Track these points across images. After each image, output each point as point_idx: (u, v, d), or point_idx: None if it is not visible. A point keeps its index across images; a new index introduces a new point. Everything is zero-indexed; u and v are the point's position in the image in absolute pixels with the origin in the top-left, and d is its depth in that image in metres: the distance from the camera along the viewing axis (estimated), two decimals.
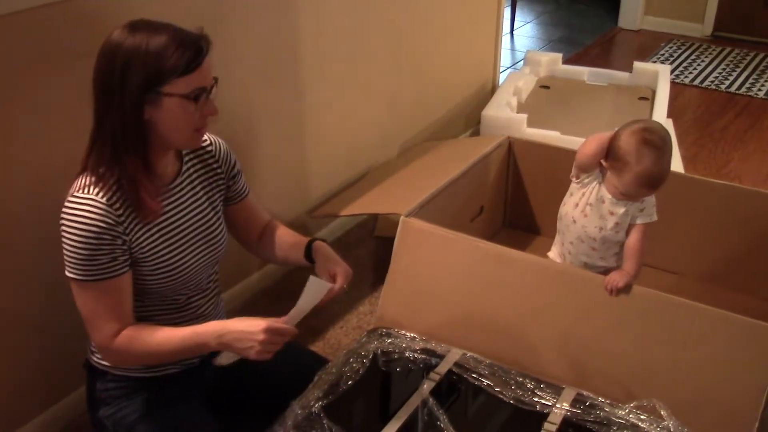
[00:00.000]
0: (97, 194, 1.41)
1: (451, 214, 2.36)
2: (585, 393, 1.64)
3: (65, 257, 1.43)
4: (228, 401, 1.78)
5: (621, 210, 1.92)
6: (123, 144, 1.42)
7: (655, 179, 1.84)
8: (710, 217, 2.39)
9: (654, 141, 1.82)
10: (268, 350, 1.44)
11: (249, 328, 1.42)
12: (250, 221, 1.75)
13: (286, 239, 1.76)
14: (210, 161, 1.65)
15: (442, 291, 1.97)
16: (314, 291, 1.51)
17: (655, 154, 1.82)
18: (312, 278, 1.50)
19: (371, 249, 2.69)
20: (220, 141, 1.68)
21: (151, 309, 1.59)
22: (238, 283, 2.37)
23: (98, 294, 1.45)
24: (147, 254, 1.50)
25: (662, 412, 1.53)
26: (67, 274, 1.44)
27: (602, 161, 1.90)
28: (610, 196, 1.93)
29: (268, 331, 1.41)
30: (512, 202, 2.78)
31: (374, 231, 2.84)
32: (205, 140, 1.64)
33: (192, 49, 1.39)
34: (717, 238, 2.40)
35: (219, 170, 1.66)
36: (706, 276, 2.44)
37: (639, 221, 1.94)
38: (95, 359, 1.64)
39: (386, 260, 2.05)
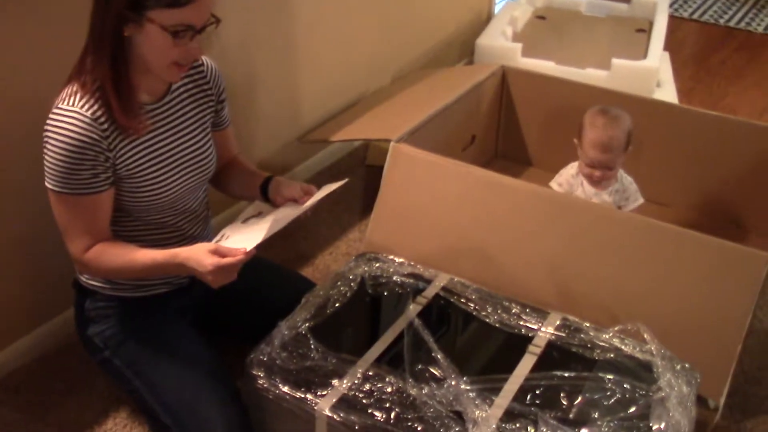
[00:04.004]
0: (83, 107, 1.40)
1: (442, 143, 2.34)
2: (570, 317, 1.66)
3: (45, 167, 1.42)
4: (216, 321, 1.79)
5: (606, 199, 2.07)
6: (98, 54, 1.39)
7: (603, 143, 2.01)
8: (701, 148, 2.38)
9: (606, 112, 2.05)
10: (223, 281, 1.43)
11: (198, 267, 1.40)
12: (222, 151, 1.72)
13: (246, 172, 1.75)
14: (201, 82, 1.62)
15: (432, 217, 1.97)
16: (284, 213, 1.52)
17: (605, 122, 2.02)
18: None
19: (362, 177, 2.67)
20: (212, 63, 1.65)
21: (139, 229, 1.58)
22: (229, 208, 2.36)
23: (75, 208, 1.45)
24: (132, 172, 1.48)
25: (645, 336, 1.54)
26: (45, 183, 1.44)
27: (575, 140, 2.10)
28: (591, 189, 2.08)
29: (215, 271, 1.39)
30: (504, 133, 2.76)
31: (365, 160, 2.82)
32: (198, 61, 1.61)
33: None
34: (707, 170, 2.40)
35: (210, 92, 1.63)
36: (696, 208, 2.45)
37: (630, 208, 2.08)
38: (83, 279, 1.64)
39: (377, 189, 2.04)
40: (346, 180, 1.60)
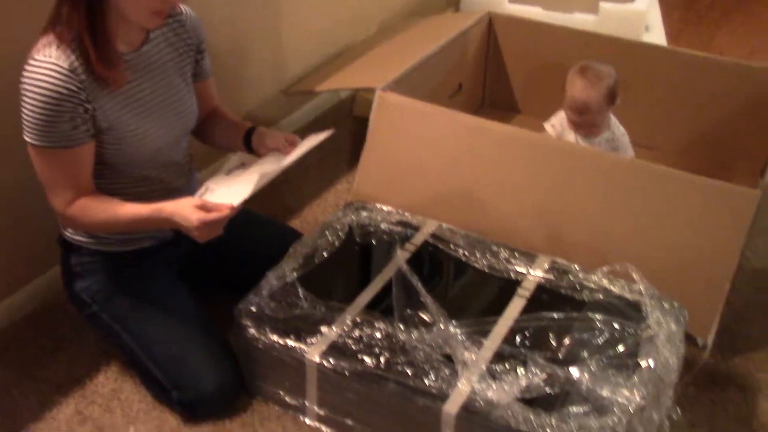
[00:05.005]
0: (59, 58, 1.36)
1: (428, 91, 2.31)
2: (559, 260, 1.65)
3: (24, 120, 1.40)
4: (204, 274, 1.78)
5: (593, 145, 2.06)
6: (74, 3, 1.36)
7: (579, 107, 2.01)
8: (690, 91, 2.36)
9: (586, 73, 2.01)
10: (209, 236, 1.42)
11: (184, 222, 1.39)
12: (203, 103, 1.69)
13: (228, 122, 1.72)
14: (180, 31, 1.59)
15: (419, 164, 1.96)
16: (268, 164, 1.50)
17: (583, 85, 1.99)
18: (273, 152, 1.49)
19: (349, 129, 2.65)
20: (191, 12, 1.62)
21: (122, 182, 1.56)
22: (215, 162, 2.33)
23: (56, 162, 1.43)
24: (112, 123, 1.46)
25: (634, 275, 1.54)
26: (24, 137, 1.41)
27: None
28: (578, 136, 2.08)
29: (201, 227, 1.38)
30: (492, 80, 2.73)
31: (352, 111, 2.79)
32: (177, 9, 1.57)
33: None
34: (696, 113, 2.38)
35: (189, 41, 1.60)
36: (685, 151, 2.43)
37: None
38: (68, 234, 1.62)
39: (364, 140, 2.02)
40: (331, 131, 1.58)
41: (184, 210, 1.39)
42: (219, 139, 1.73)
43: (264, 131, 1.63)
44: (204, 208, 1.39)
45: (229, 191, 1.45)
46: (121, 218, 1.46)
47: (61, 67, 1.36)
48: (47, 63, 1.36)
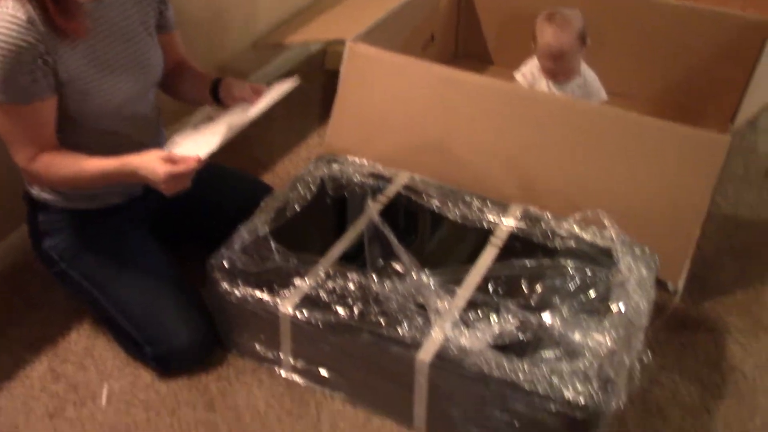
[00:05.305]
0: (16, 9, 1.32)
1: (400, 42, 2.28)
2: (531, 209, 1.65)
3: None
4: (174, 230, 1.77)
5: (566, 92, 2.06)
6: None
7: (553, 53, 2.00)
8: (663, 38, 2.35)
9: (553, 18, 1.99)
10: (177, 189, 1.40)
11: (151, 175, 1.37)
12: (168, 55, 1.65)
13: (195, 75, 1.69)
14: None
15: (391, 116, 1.94)
16: (235, 116, 1.48)
17: (554, 31, 1.98)
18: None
19: (320, 83, 2.62)
20: None
21: (87, 137, 1.53)
22: (186, 117, 2.30)
23: (16, 117, 1.39)
24: (74, 76, 1.42)
25: (606, 222, 1.55)
26: None
27: (532, 44, 2.07)
28: (550, 83, 2.07)
29: (168, 180, 1.36)
30: (464, 31, 2.70)
31: (324, 65, 2.75)
32: None
33: None
34: (669, 61, 2.37)
35: None
36: (657, 99, 2.43)
37: (592, 102, 2.05)
38: (34, 192, 1.60)
39: (335, 93, 1.99)
40: (297, 79, 1.55)
41: (150, 163, 1.37)
42: (186, 92, 1.70)
43: (231, 81, 1.60)
44: (171, 160, 1.37)
45: (195, 144, 1.43)
46: (87, 173, 1.43)
47: (18, 18, 1.32)
48: (4, 15, 1.32)
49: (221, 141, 1.40)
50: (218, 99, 1.61)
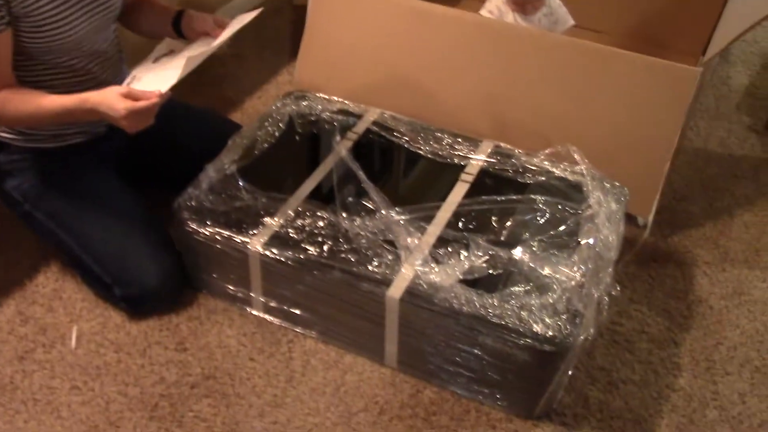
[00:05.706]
0: None
1: None
2: (502, 145, 1.64)
3: None
4: (140, 169, 1.73)
5: (535, 24, 1.98)
6: None
7: None
8: None
9: None
10: (139, 126, 1.36)
11: (111, 112, 1.33)
12: None
13: (156, 8, 1.64)
14: None
15: (361, 51, 1.90)
16: (197, 49, 1.45)
17: None
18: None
19: (290, 18, 2.56)
20: None
21: (46, 74, 1.48)
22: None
23: None
24: (29, 9, 1.37)
25: (576, 157, 1.54)
26: None
27: None
28: (517, 16, 1.99)
29: (129, 116, 1.32)
30: None
31: (292, 0, 2.69)
32: None
33: None
34: None
35: None
36: (630, 33, 2.40)
37: (560, 30, 1.99)
38: None
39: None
40: (261, 10, 1.50)
41: (109, 99, 1.33)
42: (148, 26, 1.64)
43: (193, 14, 1.55)
44: (131, 96, 1.33)
45: (156, 78, 1.39)
46: (45, 110, 1.39)
47: None
48: None
49: (182, 74, 1.36)
50: (181, 33, 1.56)
